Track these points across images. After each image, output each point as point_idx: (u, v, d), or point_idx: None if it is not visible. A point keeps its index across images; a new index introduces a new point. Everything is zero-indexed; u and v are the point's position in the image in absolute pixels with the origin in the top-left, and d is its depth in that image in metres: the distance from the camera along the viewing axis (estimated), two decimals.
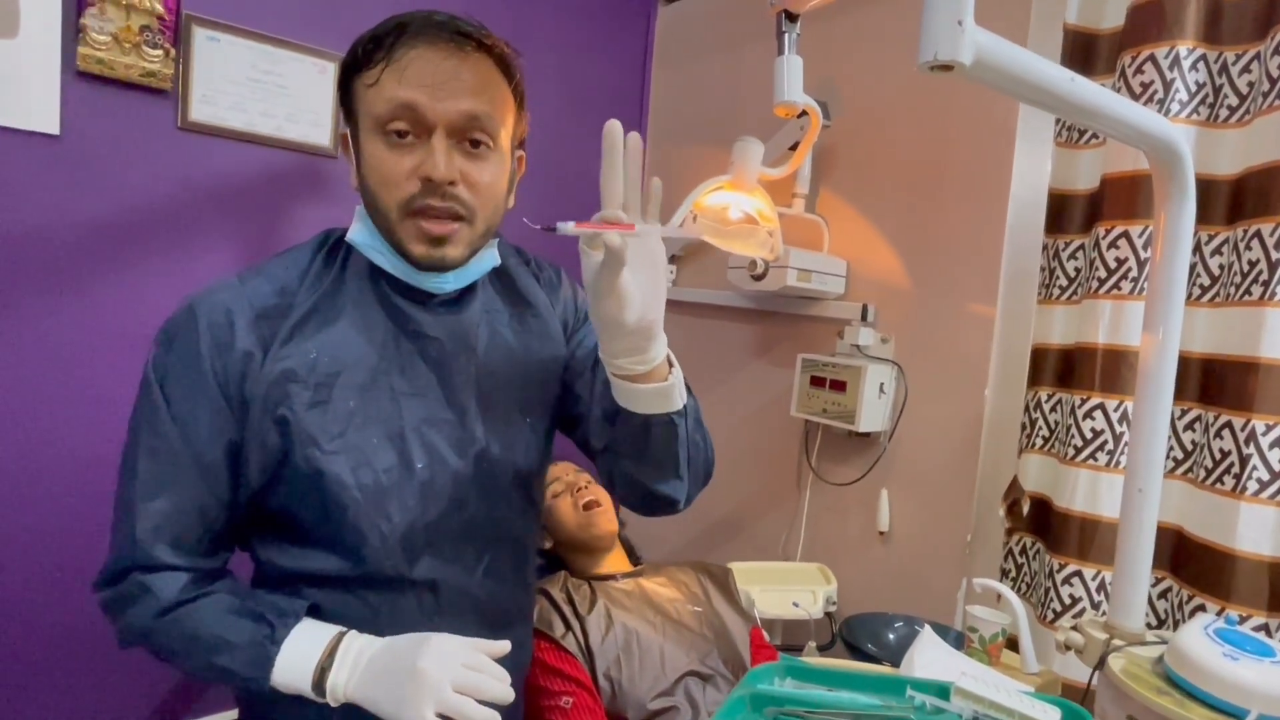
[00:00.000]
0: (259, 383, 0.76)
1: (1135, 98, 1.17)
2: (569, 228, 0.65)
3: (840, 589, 1.52)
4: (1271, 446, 1.05)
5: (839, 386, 1.54)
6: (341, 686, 0.73)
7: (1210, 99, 1.15)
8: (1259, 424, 1.05)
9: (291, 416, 0.77)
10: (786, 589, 1.47)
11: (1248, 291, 1.08)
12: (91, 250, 1.37)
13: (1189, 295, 1.12)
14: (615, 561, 1.32)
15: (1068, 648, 0.92)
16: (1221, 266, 1.14)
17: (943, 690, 0.74)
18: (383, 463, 0.80)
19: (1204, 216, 1.11)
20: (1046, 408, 1.34)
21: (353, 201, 0.85)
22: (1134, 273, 1.19)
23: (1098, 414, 1.22)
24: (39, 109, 1.28)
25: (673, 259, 2.08)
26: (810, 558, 1.67)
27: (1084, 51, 1.28)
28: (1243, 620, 1.05)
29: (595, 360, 0.93)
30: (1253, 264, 1.07)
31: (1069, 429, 1.25)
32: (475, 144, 0.78)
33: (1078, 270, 1.30)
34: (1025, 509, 1.34)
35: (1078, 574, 1.23)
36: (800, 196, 1.68)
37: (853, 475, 1.61)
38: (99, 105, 1.34)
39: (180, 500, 0.76)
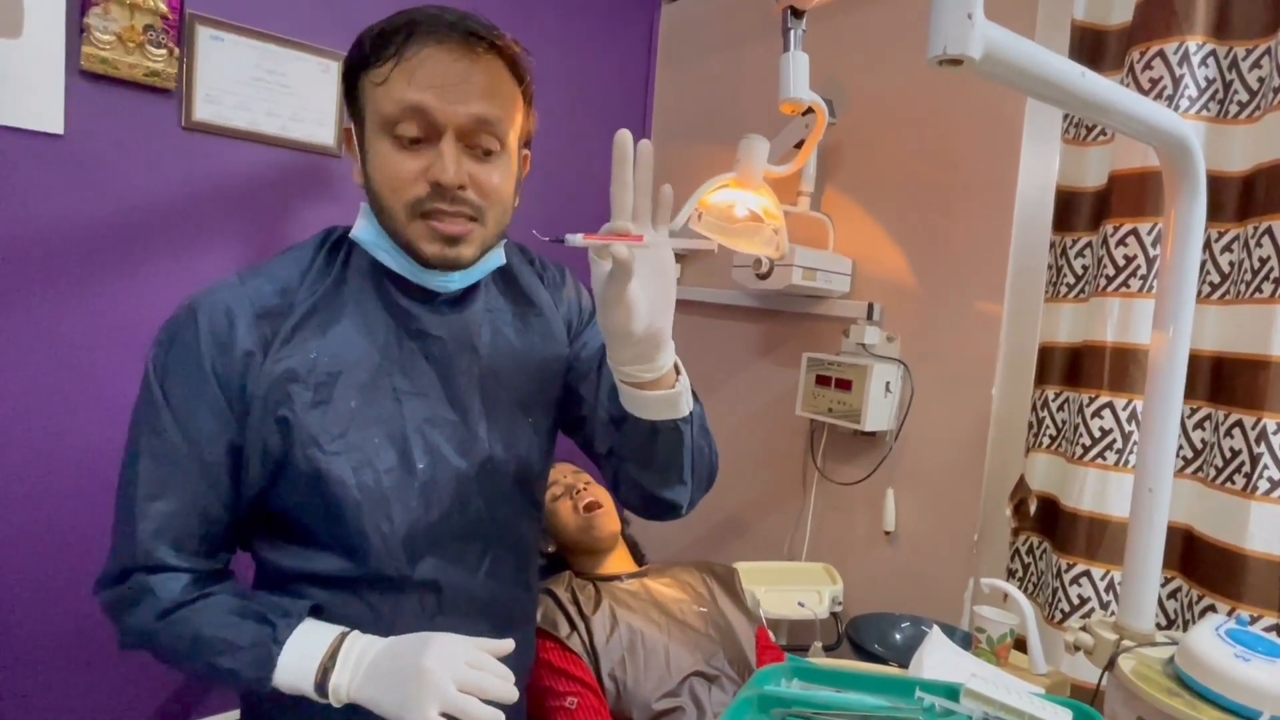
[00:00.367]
0: (260, 383, 0.76)
1: (1144, 94, 1.16)
2: (577, 240, 0.65)
3: (846, 589, 1.51)
4: None
5: (844, 385, 1.53)
6: (344, 687, 0.72)
7: (1220, 95, 1.14)
8: (1270, 423, 1.04)
9: (292, 417, 0.76)
10: (792, 589, 1.46)
11: (1258, 289, 1.07)
12: (95, 250, 1.36)
13: (1199, 293, 1.11)
14: (619, 562, 1.32)
15: (1077, 648, 0.92)
16: (1232, 264, 1.13)
17: (952, 691, 0.73)
18: (384, 463, 0.80)
19: (1214, 213, 1.10)
20: (1054, 406, 1.33)
21: (357, 201, 0.85)
22: (1143, 270, 1.18)
23: (1106, 413, 1.21)
24: (43, 109, 1.28)
25: (677, 258, 2.07)
26: (816, 558, 1.66)
27: (1092, 47, 1.27)
28: (1254, 621, 1.04)
29: (600, 363, 0.92)
30: (1263, 261, 1.06)
31: (1077, 428, 1.25)
32: (484, 148, 0.78)
33: (1085, 268, 1.30)
34: (1032, 508, 1.34)
35: (1086, 574, 1.22)
36: (805, 194, 1.67)
37: (858, 475, 1.60)
38: (103, 105, 1.34)
39: (181, 501, 0.76)
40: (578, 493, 1.30)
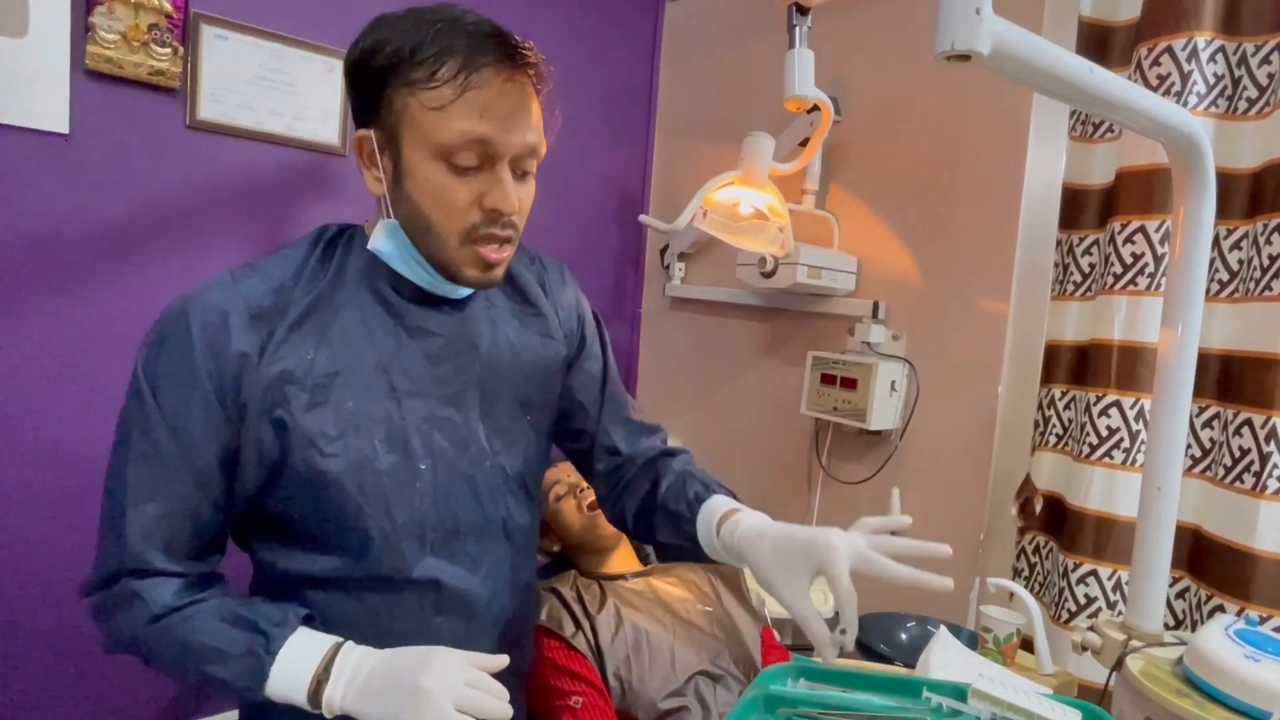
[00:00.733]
0: (255, 385, 0.74)
1: (1152, 90, 1.15)
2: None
3: None
4: None
5: (850, 384, 1.53)
6: (338, 700, 0.71)
7: (1229, 91, 1.13)
8: (1279, 421, 1.04)
9: (289, 419, 0.75)
10: None
11: (1268, 287, 1.06)
12: (100, 249, 1.37)
13: (1207, 291, 1.11)
14: (623, 560, 1.31)
15: (1084, 648, 0.91)
16: (1241, 261, 1.12)
17: (960, 692, 0.73)
18: (384, 463, 0.79)
19: (1223, 210, 1.09)
20: (1060, 405, 1.32)
21: (362, 200, 0.84)
22: (1150, 268, 1.17)
23: (1113, 411, 1.21)
24: (48, 108, 1.28)
25: (681, 256, 2.07)
26: None
27: (1099, 44, 1.26)
28: (1263, 621, 1.04)
29: (603, 384, 0.98)
30: (1273, 258, 1.05)
31: (1083, 426, 1.24)
32: (525, 171, 0.79)
33: (1092, 266, 1.29)
34: (1038, 508, 1.33)
35: (1093, 573, 1.22)
36: (810, 192, 1.67)
37: (864, 474, 1.60)
38: (108, 104, 1.34)
39: (172, 505, 0.74)
40: (581, 491, 1.29)
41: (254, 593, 0.86)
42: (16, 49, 1.24)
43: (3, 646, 1.33)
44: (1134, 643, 0.86)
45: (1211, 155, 0.82)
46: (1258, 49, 1.10)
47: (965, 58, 0.60)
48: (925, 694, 0.74)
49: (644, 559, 1.39)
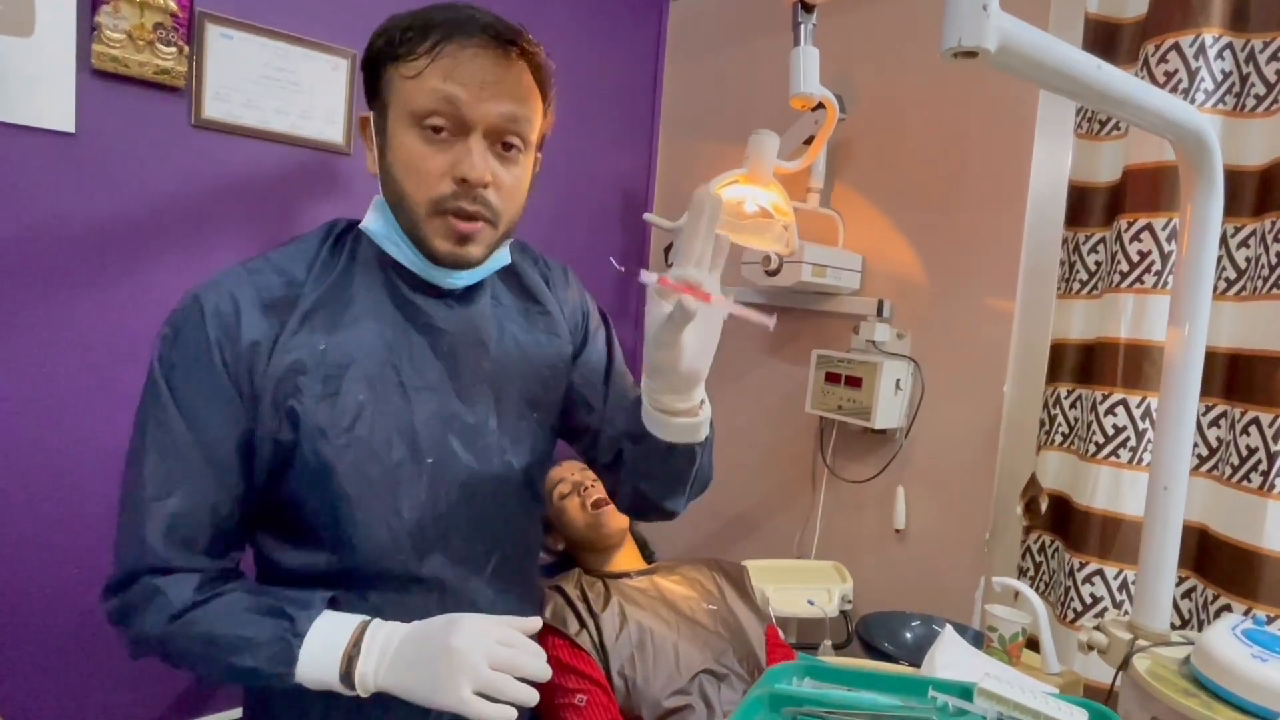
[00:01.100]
0: (268, 375, 0.75)
1: (1159, 87, 1.14)
2: (650, 280, 0.68)
3: (856, 587, 1.51)
4: None
5: (854, 383, 1.53)
6: (371, 675, 0.70)
7: (1237, 88, 1.13)
8: None
9: (300, 409, 0.75)
10: (802, 587, 1.45)
11: (1276, 285, 1.06)
12: (106, 247, 1.37)
13: (1215, 288, 1.10)
14: (627, 559, 1.32)
15: (1090, 648, 0.91)
16: (1249, 259, 1.11)
17: (966, 691, 0.72)
18: (392, 456, 0.79)
19: (1230, 208, 1.08)
20: (1066, 404, 1.32)
21: (367, 199, 0.84)
22: (1157, 266, 1.17)
23: (1119, 410, 1.20)
24: (54, 107, 1.29)
25: None
26: (825, 556, 1.65)
27: (1105, 40, 1.26)
28: (1271, 620, 1.03)
29: (607, 375, 0.96)
30: None
31: (1090, 425, 1.23)
32: (507, 146, 0.78)
33: (1098, 264, 1.28)
34: (1044, 507, 1.33)
35: (1099, 573, 1.21)
36: (815, 191, 1.66)
37: (868, 472, 1.60)
38: (113, 103, 1.35)
39: (191, 499, 0.74)
40: (585, 489, 1.29)
41: None
42: (23, 48, 1.24)
43: (6, 646, 1.34)
44: (1140, 642, 0.86)
45: (1219, 152, 0.82)
46: (1266, 45, 1.10)
47: (972, 54, 0.60)
48: (931, 693, 0.74)
49: (648, 557, 1.39)
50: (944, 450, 1.49)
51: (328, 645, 0.71)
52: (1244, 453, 1.08)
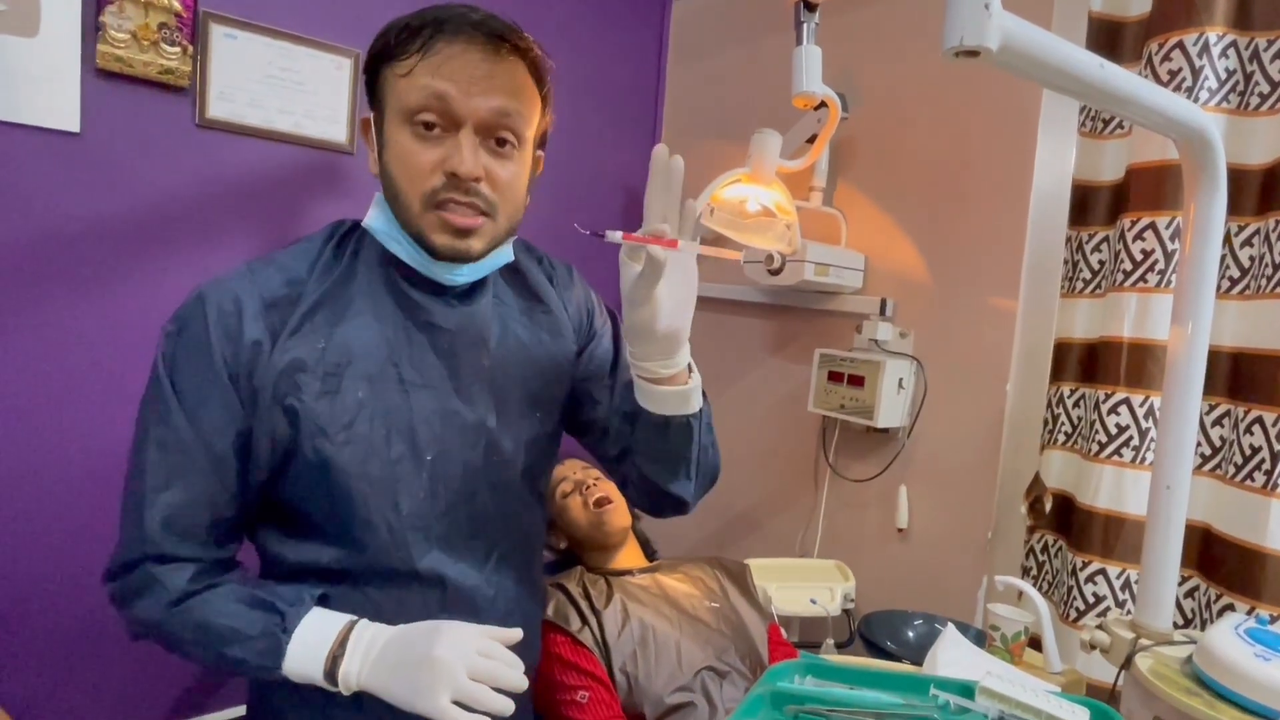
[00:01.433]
0: (268, 373, 0.76)
1: (1162, 86, 1.14)
2: (616, 237, 0.70)
3: (858, 586, 1.51)
4: None
5: (857, 382, 1.53)
6: (354, 675, 0.73)
7: (1240, 86, 1.13)
8: None
9: (300, 406, 0.76)
10: (804, 586, 1.45)
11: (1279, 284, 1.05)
12: (111, 247, 1.38)
13: (1218, 287, 1.10)
14: (630, 556, 1.32)
15: (1093, 647, 0.91)
16: (1252, 258, 1.11)
17: (968, 689, 0.72)
18: (392, 453, 0.80)
19: (1234, 207, 1.08)
20: (1069, 403, 1.31)
21: (370, 198, 0.85)
22: (1161, 265, 1.16)
23: (1123, 409, 1.20)
24: (59, 107, 1.29)
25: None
26: (828, 554, 1.65)
27: (1109, 39, 1.25)
28: (1274, 620, 1.03)
29: (613, 367, 0.96)
30: None
31: (1093, 424, 1.23)
32: (501, 142, 0.79)
33: (1102, 263, 1.28)
34: (1047, 506, 1.32)
35: (1101, 572, 1.21)
36: (818, 189, 1.66)
37: (871, 471, 1.60)
38: (118, 103, 1.35)
39: (190, 491, 0.76)
40: (587, 488, 1.30)
41: None
42: (28, 48, 1.25)
43: (12, 641, 1.35)
44: (1143, 641, 0.86)
45: (1223, 151, 0.82)
46: (1270, 44, 1.09)
47: (974, 53, 0.60)
48: (933, 691, 0.74)
49: (650, 556, 1.39)
50: (946, 449, 1.49)
51: (315, 643, 0.74)
52: (1247, 452, 1.08)
